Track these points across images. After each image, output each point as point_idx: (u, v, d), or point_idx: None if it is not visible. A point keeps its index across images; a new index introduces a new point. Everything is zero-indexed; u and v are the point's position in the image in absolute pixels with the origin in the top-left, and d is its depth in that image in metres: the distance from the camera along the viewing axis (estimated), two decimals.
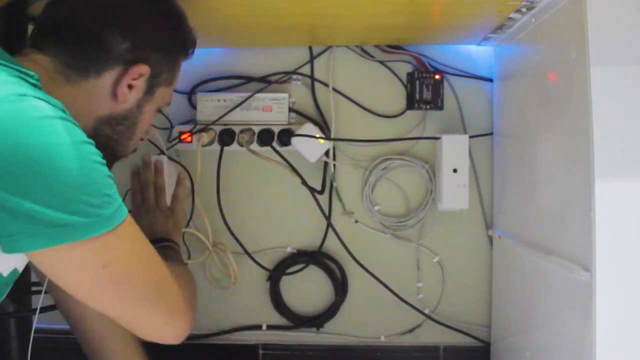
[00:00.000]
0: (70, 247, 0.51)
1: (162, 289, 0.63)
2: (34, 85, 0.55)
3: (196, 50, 1.05)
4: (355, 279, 1.11)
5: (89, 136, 0.62)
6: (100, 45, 0.64)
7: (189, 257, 1.11)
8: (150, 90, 0.70)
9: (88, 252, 0.53)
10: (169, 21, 0.71)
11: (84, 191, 0.51)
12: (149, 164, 0.98)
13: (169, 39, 0.71)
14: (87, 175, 0.51)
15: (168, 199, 0.98)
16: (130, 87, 0.67)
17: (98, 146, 0.63)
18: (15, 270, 0.63)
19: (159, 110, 0.78)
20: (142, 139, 0.77)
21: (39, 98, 0.51)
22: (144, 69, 0.67)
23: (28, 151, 0.48)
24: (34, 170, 0.48)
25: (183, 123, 1.09)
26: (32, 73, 0.56)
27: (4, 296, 0.64)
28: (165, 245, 0.87)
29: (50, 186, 0.49)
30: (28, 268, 0.73)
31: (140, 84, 0.68)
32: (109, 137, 0.69)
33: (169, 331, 0.65)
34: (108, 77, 0.65)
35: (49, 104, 0.52)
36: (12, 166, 0.48)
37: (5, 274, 0.61)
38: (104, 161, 0.55)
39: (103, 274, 0.55)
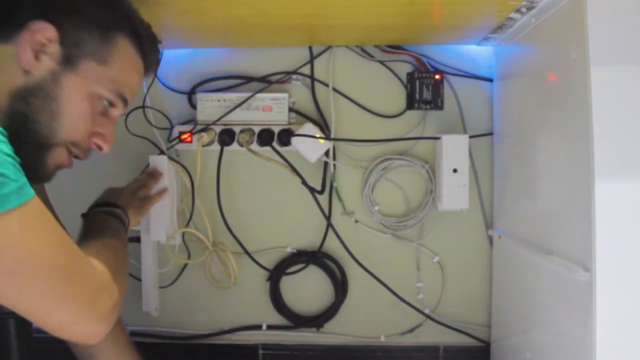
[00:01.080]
0: None
1: (72, 282, 0.57)
2: None
3: (196, 50, 1.04)
4: (355, 279, 1.11)
5: (5, 116, 0.60)
6: (4, 6, 0.60)
7: (189, 257, 1.11)
8: (68, 60, 0.63)
9: None
10: None
11: None
12: (155, 175, 0.98)
13: (91, 5, 0.65)
14: None
15: (169, 201, 0.99)
16: (38, 52, 0.61)
17: (17, 128, 0.60)
18: None
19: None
20: (99, 149, 0.69)
21: None
22: (46, 29, 0.61)
23: None
24: None
25: (183, 123, 1.09)
26: None
27: None
28: (112, 211, 0.82)
29: None
30: None
31: (53, 51, 0.62)
32: (25, 115, 0.62)
33: (80, 331, 0.59)
34: (13, 43, 0.60)
35: None
36: None
37: None
38: (4, 140, 0.51)
39: None
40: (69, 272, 0.57)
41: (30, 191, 0.53)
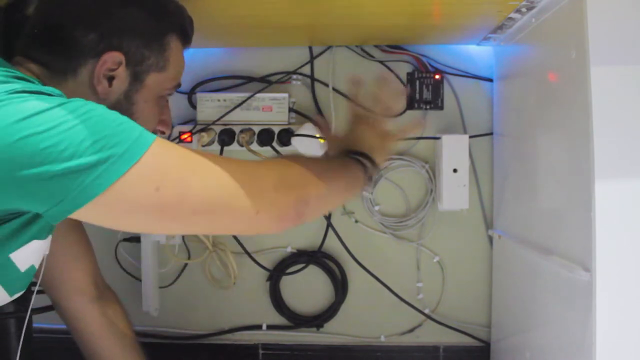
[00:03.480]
0: (119, 183, 0.50)
1: (238, 187, 0.57)
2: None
3: (196, 50, 1.04)
4: (355, 279, 1.11)
5: None
6: (68, 42, 0.63)
7: (189, 257, 1.11)
8: (137, 78, 0.67)
9: (136, 180, 0.51)
10: (143, 4, 0.67)
11: (101, 128, 0.50)
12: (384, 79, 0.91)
13: (145, 22, 0.67)
14: (96, 116, 0.50)
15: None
16: (110, 78, 0.65)
17: None
18: (32, 267, 0.63)
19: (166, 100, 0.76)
20: (162, 133, 0.74)
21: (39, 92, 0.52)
22: (115, 57, 0.64)
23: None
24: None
25: (183, 123, 1.09)
26: (34, 79, 0.57)
27: (22, 292, 0.64)
28: (356, 158, 0.77)
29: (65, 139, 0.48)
30: None
31: (122, 74, 0.65)
32: None
33: (262, 224, 0.60)
34: (85, 73, 0.64)
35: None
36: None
37: (22, 269, 0.61)
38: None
39: (160, 197, 0.52)
40: (237, 180, 0.57)
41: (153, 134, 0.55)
